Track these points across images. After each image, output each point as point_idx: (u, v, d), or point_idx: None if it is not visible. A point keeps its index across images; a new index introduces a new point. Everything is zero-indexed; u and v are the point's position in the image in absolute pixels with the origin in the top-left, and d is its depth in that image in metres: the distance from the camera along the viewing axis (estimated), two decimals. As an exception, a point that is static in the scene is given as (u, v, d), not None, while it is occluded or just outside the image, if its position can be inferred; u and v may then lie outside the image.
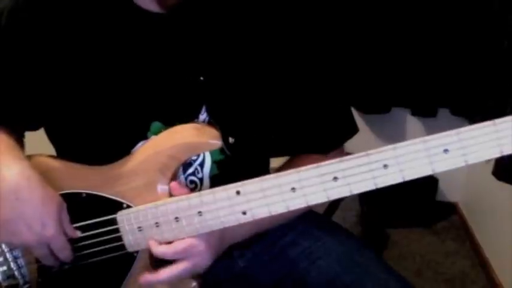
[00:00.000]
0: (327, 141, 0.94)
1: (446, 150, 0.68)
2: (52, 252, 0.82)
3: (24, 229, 0.77)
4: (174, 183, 0.80)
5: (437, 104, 2.11)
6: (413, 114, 2.17)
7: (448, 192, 2.30)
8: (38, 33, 0.82)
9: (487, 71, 1.86)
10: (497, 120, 0.66)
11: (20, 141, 0.89)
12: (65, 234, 0.82)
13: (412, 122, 2.24)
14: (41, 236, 0.78)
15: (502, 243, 1.87)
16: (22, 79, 0.84)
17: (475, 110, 1.97)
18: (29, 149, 0.93)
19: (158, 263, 0.88)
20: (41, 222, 0.77)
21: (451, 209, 2.34)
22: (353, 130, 0.96)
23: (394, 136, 2.28)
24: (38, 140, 0.96)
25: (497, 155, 0.67)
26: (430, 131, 2.43)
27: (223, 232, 0.81)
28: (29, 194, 0.77)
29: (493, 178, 1.67)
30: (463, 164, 0.68)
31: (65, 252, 0.82)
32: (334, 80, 0.94)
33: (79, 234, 0.83)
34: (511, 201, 1.76)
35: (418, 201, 2.20)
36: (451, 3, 1.89)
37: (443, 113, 2.11)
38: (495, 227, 1.96)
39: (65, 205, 0.81)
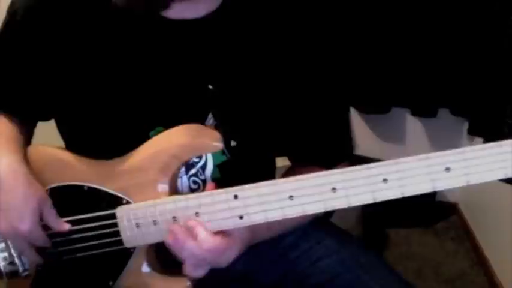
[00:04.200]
0: (330, 154, 0.94)
1: (448, 169, 0.67)
2: (30, 247, 0.84)
3: (2, 219, 0.80)
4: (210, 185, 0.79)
5: (437, 104, 2.11)
6: (413, 114, 2.17)
7: (448, 192, 2.29)
8: (52, 31, 0.83)
9: (487, 71, 1.86)
10: (503, 142, 0.64)
11: (24, 133, 0.92)
12: (51, 228, 0.83)
13: (412, 122, 2.23)
14: (17, 229, 0.80)
15: (502, 243, 1.87)
16: (35, 72, 0.86)
17: (476, 113, 1.97)
18: (40, 139, 0.96)
19: (158, 260, 0.89)
20: (18, 215, 0.80)
21: (451, 209, 2.33)
22: (351, 146, 0.97)
23: (394, 136, 2.28)
24: (48, 131, 0.98)
25: (501, 177, 0.65)
26: (430, 131, 2.43)
27: (254, 231, 0.80)
28: (11, 187, 0.80)
29: (493, 178, 1.66)
30: (464, 184, 0.67)
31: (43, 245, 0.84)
32: (338, 93, 0.94)
33: (68, 227, 0.84)
34: (511, 201, 1.76)
35: (418, 201, 2.19)
36: (451, 3, 1.89)
37: (443, 113, 2.11)
38: (495, 227, 1.96)
39: (49, 201, 0.83)
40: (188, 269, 0.79)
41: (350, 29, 1.98)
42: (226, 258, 0.79)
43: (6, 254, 0.88)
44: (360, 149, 2.15)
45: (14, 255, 0.88)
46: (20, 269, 0.89)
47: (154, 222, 0.81)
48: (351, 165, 0.72)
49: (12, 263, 0.88)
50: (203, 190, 0.88)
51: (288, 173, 0.97)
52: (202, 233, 0.76)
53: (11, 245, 0.88)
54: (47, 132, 0.98)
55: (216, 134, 0.81)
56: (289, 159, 1.00)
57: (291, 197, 0.74)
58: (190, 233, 0.76)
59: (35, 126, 0.97)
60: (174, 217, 0.79)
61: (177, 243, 0.77)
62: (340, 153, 0.95)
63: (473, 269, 2.01)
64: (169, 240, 0.78)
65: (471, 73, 1.94)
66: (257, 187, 0.75)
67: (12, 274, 0.89)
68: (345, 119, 0.97)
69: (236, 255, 0.80)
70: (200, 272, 0.80)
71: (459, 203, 2.34)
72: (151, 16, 0.82)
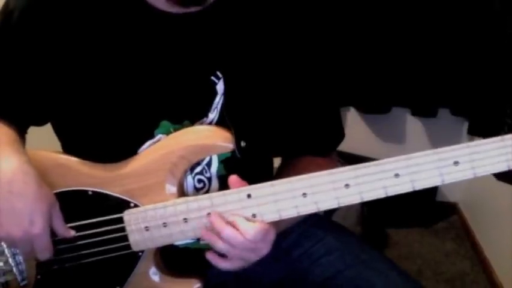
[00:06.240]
0: (326, 144, 0.96)
1: (456, 163, 0.70)
2: (33, 251, 0.81)
3: (12, 223, 0.77)
4: (234, 177, 0.79)
5: (437, 104, 2.11)
6: (413, 114, 2.17)
7: (448, 192, 2.30)
8: (49, 32, 0.82)
9: (487, 71, 1.86)
10: (506, 136, 0.68)
11: (22, 136, 0.89)
12: (56, 233, 0.82)
13: (412, 122, 2.23)
14: (27, 233, 0.78)
15: (502, 243, 1.87)
16: (30, 75, 0.85)
17: (476, 113, 1.97)
18: (36, 144, 0.94)
19: (165, 263, 0.88)
20: (29, 218, 0.77)
21: (451, 209, 2.34)
22: (343, 135, 1.00)
23: (394, 136, 2.28)
24: (44, 136, 0.96)
25: (505, 169, 0.69)
26: (430, 131, 2.42)
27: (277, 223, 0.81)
28: (22, 189, 0.77)
29: (492, 178, 1.66)
30: (471, 176, 0.70)
31: (45, 254, 0.82)
32: (335, 83, 0.96)
33: (73, 233, 0.83)
34: (511, 201, 1.76)
35: (418, 201, 2.20)
36: (451, 3, 1.89)
37: (443, 113, 2.12)
38: (495, 227, 1.96)
39: (57, 205, 0.81)
40: (227, 263, 0.80)
41: (350, 28, 1.98)
42: (267, 243, 0.79)
43: (2, 264, 0.86)
44: (360, 149, 2.17)
45: (12, 264, 0.86)
46: (19, 278, 0.86)
47: (164, 225, 0.80)
48: (350, 164, 0.73)
49: (9, 272, 0.86)
50: (208, 189, 0.88)
51: (284, 167, 0.98)
52: (243, 223, 0.76)
53: (8, 254, 0.85)
54: (43, 137, 0.96)
55: (227, 135, 0.80)
56: (282, 156, 1.00)
57: (304, 194, 0.74)
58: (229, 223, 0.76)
59: (26, 132, 0.94)
60: (185, 219, 0.79)
61: (212, 234, 0.77)
62: (332, 141, 0.98)
63: (473, 269, 2.02)
64: (205, 232, 0.78)
65: (471, 73, 1.94)
66: (271, 185, 0.75)
67: (9, 284, 0.86)
68: (337, 108, 0.98)
69: (273, 239, 0.80)
70: (239, 263, 0.80)
71: (459, 203, 2.34)
72: (151, 9, 0.81)
